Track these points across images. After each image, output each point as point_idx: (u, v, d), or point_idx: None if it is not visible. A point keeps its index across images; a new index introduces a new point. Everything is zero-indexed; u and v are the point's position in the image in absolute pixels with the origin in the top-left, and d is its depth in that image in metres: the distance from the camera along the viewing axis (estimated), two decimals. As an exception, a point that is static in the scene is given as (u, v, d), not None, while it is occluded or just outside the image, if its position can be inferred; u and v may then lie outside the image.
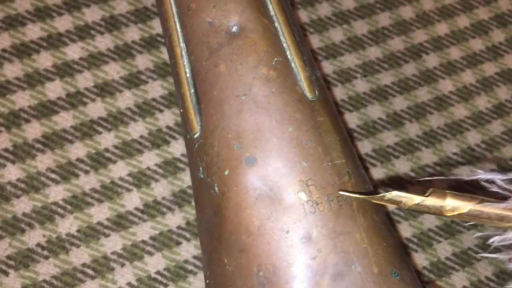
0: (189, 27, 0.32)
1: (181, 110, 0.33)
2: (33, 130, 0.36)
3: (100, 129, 0.37)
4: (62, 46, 0.38)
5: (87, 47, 0.38)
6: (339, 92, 0.40)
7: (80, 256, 0.35)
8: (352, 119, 0.40)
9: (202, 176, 0.31)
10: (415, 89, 0.41)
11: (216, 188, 0.30)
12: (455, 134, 0.40)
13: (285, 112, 0.30)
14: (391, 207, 0.38)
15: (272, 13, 0.32)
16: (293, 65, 0.32)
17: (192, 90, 0.32)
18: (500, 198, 0.30)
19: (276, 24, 0.32)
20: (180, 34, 0.33)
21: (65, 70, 0.38)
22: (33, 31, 0.38)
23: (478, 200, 0.28)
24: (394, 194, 0.28)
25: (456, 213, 0.28)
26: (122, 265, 0.35)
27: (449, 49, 0.42)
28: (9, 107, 0.36)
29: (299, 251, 0.28)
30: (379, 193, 0.29)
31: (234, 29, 0.32)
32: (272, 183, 0.29)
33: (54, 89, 0.37)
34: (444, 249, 0.38)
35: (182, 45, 0.33)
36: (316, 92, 0.32)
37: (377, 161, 0.39)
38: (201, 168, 0.31)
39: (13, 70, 0.37)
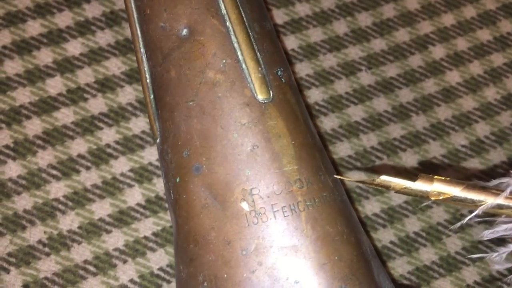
0: (146, 32, 0.32)
1: (147, 116, 0.32)
2: (34, 127, 0.36)
3: (101, 124, 0.37)
4: (62, 42, 0.38)
5: (88, 42, 0.38)
6: (344, 85, 0.39)
7: (81, 252, 0.34)
8: (358, 112, 0.39)
9: (164, 181, 0.31)
10: (421, 81, 0.40)
11: (172, 195, 0.30)
12: (464, 126, 0.39)
13: (230, 117, 0.29)
14: (396, 201, 0.37)
15: (223, 11, 0.31)
16: (243, 66, 0.30)
17: (152, 96, 0.32)
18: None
19: (228, 24, 0.30)
20: (140, 39, 0.32)
21: (65, 66, 0.37)
22: (34, 28, 0.38)
23: (464, 185, 0.28)
24: (383, 178, 0.27)
25: (441, 197, 0.28)
26: (124, 261, 0.34)
27: (456, 40, 0.41)
28: (9, 103, 0.36)
29: (239, 263, 0.27)
30: (340, 200, 0.28)
31: (184, 32, 0.30)
32: (217, 192, 0.28)
33: (55, 85, 0.37)
34: (454, 243, 0.37)
35: (142, 50, 0.32)
36: (271, 93, 0.30)
37: (384, 154, 0.38)
38: (162, 173, 0.31)
39: (13, 66, 0.37)
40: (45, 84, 0.37)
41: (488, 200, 0.28)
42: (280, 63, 0.32)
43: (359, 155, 0.38)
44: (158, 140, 0.31)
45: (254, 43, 0.31)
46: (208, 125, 0.29)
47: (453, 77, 0.41)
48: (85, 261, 0.34)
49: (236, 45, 0.30)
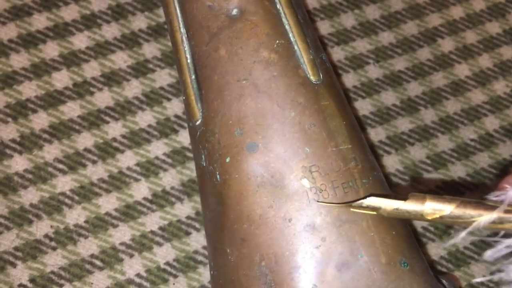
0: (189, 11, 0.32)
1: (183, 97, 0.32)
2: (40, 121, 0.36)
3: (107, 118, 0.36)
4: (68, 35, 0.37)
5: (94, 36, 0.38)
6: (351, 78, 0.39)
7: (88, 247, 0.34)
8: (365, 106, 0.39)
9: (204, 164, 0.30)
10: (430, 74, 0.40)
11: (218, 176, 0.30)
12: (473, 119, 0.39)
13: (287, 96, 0.29)
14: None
15: None
16: (295, 47, 0.31)
17: (193, 76, 0.31)
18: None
19: (278, 6, 0.31)
20: (180, 19, 0.32)
21: (71, 59, 0.37)
22: (40, 21, 0.38)
23: (458, 201, 0.26)
24: (371, 200, 0.27)
25: (437, 215, 0.26)
26: (131, 256, 0.34)
27: (465, 33, 0.41)
28: (16, 97, 0.36)
29: (302, 240, 0.27)
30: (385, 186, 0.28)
31: (234, 12, 0.31)
32: (274, 170, 0.28)
33: (61, 79, 0.37)
34: (462, 239, 0.37)
35: (183, 30, 0.32)
36: (321, 75, 0.31)
37: (392, 148, 0.38)
38: (203, 156, 0.30)
39: (19, 60, 0.37)
40: (51, 78, 0.37)
41: (487, 215, 0.26)
42: (321, 49, 0.33)
43: (367, 149, 0.38)
44: (199, 122, 0.31)
45: (303, 27, 0.31)
46: (263, 103, 0.29)
47: (462, 70, 0.40)
48: (92, 256, 0.34)
49: (287, 27, 0.31)
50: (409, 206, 0.26)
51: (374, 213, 0.27)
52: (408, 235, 0.30)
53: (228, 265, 0.29)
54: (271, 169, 0.28)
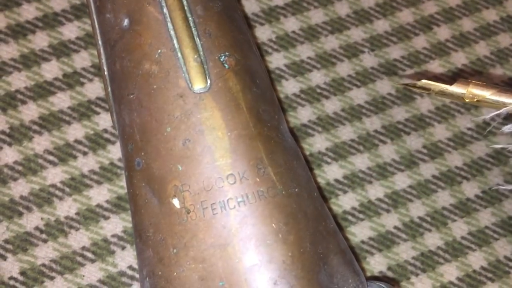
0: (99, 24, 0.31)
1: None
2: (30, 112, 0.35)
3: (98, 109, 0.36)
4: (58, 26, 0.37)
5: (84, 26, 0.37)
6: (346, 67, 0.38)
7: (79, 239, 0.34)
8: (360, 95, 0.38)
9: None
10: (426, 62, 0.39)
11: (126, 189, 0.30)
12: (469, 108, 0.38)
13: (164, 110, 0.28)
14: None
15: None
16: (179, 54, 0.28)
17: (109, 89, 0.31)
18: None
19: (165, 10, 0.29)
20: (98, 32, 0.32)
21: (61, 50, 0.37)
22: (29, 11, 0.37)
23: (498, 88, 0.31)
24: (424, 82, 0.31)
25: (475, 99, 0.31)
26: (123, 248, 0.34)
27: (461, 21, 0.40)
28: (5, 88, 0.36)
29: (170, 261, 0.27)
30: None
31: (125, 22, 0.29)
32: (154, 187, 0.28)
33: (51, 70, 0.36)
34: (459, 228, 0.36)
35: (100, 43, 0.31)
36: (208, 81, 0.28)
37: (387, 138, 0.37)
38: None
39: (8, 51, 0.36)
40: (41, 69, 0.36)
41: None
42: (226, 47, 0.29)
43: (362, 138, 0.37)
44: (117, 133, 0.31)
45: (193, 28, 0.29)
46: (145, 118, 0.28)
47: (459, 58, 0.40)
48: (83, 248, 0.33)
49: (172, 32, 0.29)
50: (454, 88, 0.31)
51: (426, 92, 0.32)
52: (288, 261, 0.27)
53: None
54: (152, 187, 0.28)
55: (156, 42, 0.28)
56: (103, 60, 0.31)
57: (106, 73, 0.31)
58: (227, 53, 0.29)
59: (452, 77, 0.39)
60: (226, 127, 0.28)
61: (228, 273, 0.26)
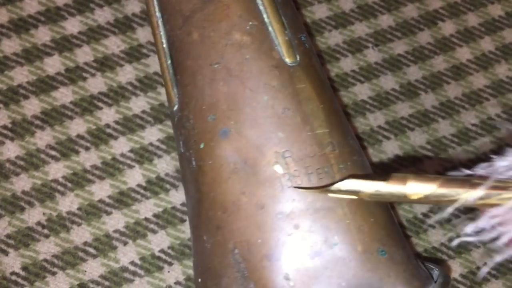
0: None
1: (163, 83, 0.31)
2: (32, 107, 0.35)
3: (100, 104, 0.36)
4: (60, 20, 0.37)
5: (86, 20, 0.37)
6: (350, 63, 0.38)
7: (81, 234, 0.34)
8: (364, 90, 0.38)
9: (182, 150, 0.30)
10: (430, 58, 0.39)
11: (194, 162, 0.29)
12: (474, 104, 0.38)
13: (259, 79, 0.28)
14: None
15: None
16: (270, 28, 0.29)
17: (169, 61, 0.31)
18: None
19: None
20: (155, 3, 0.31)
21: (64, 44, 0.36)
22: (31, 5, 0.37)
23: (442, 179, 0.24)
24: (349, 182, 0.25)
25: (421, 195, 0.24)
26: (125, 243, 0.34)
27: (466, 16, 0.40)
28: (7, 83, 0.35)
29: (274, 227, 0.27)
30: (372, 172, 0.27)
31: None
32: (247, 156, 0.28)
33: (53, 64, 0.36)
34: (463, 225, 0.36)
35: (158, 14, 0.31)
36: (297, 57, 0.29)
37: (391, 133, 0.37)
38: (181, 142, 0.30)
39: (11, 45, 0.36)
40: (43, 63, 0.36)
41: (473, 191, 0.24)
42: (302, 30, 0.31)
43: (366, 134, 0.37)
44: (175, 108, 0.30)
45: (279, 6, 0.30)
46: (235, 88, 0.28)
47: (463, 54, 0.39)
48: (85, 243, 0.33)
49: (261, 7, 0.30)
50: (390, 187, 0.25)
51: (354, 197, 0.25)
52: (388, 222, 0.29)
53: (204, 252, 0.28)
54: (243, 155, 0.28)
55: (246, 15, 0.29)
56: (162, 33, 0.31)
57: (165, 45, 0.31)
58: (304, 35, 0.31)
59: (456, 73, 0.39)
60: (319, 99, 0.29)
61: (339, 234, 0.27)
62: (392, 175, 0.25)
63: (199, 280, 0.29)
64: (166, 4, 0.31)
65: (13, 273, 0.33)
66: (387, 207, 0.29)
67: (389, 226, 0.28)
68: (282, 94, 0.28)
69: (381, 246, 0.27)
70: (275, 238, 0.27)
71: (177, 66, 0.30)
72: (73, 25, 0.37)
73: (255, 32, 0.29)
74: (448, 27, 0.40)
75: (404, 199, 0.25)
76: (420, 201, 0.25)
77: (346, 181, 0.25)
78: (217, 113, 0.28)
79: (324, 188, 0.26)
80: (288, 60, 0.29)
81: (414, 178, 0.25)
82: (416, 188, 0.24)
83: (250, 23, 0.29)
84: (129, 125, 0.36)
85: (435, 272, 0.29)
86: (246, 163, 0.28)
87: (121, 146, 0.35)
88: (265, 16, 0.30)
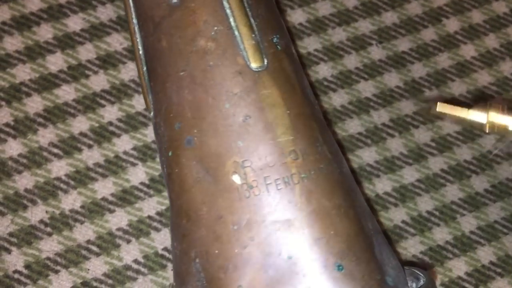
0: (137, 1, 0.31)
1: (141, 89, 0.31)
2: (34, 104, 0.35)
3: (103, 102, 0.36)
4: (63, 17, 0.37)
5: (89, 18, 0.37)
6: (354, 60, 0.38)
7: (84, 232, 0.33)
8: (368, 88, 0.37)
9: (158, 156, 0.30)
10: (434, 55, 0.39)
11: (165, 169, 0.29)
12: (479, 101, 0.38)
13: (222, 87, 0.28)
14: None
15: None
16: (236, 33, 0.29)
17: (145, 68, 0.31)
18: None
19: None
20: (132, 9, 0.31)
21: (66, 42, 0.36)
22: (33, 3, 0.37)
23: None
24: (441, 106, 0.30)
25: (496, 126, 0.30)
26: (128, 241, 0.33)
27: (471, 12, 0.40)
28: (9, 81, 0.35)
29: (230, 238, 0.26)
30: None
31: None
32: (209, 165, 0.27)
33: (55, 62, 0.36)
34: (468, 223, 0.36)
35: (135, 21, 0.31)
36: (265, 61, 0.29)
37: (395, 131, 0.37)
38: (157, 148, 0.30)
39: (13, 43, 0.36)
40: (46, 61, 0.36)
41: None
42: (276, 30, 0.30)
43: (370, 132, 0.37)
44: (151, 113, 0.30)
45: (247, 9, 0.29)
46: (199, 95, 0.28)
47: (468, 51, 0.39)
48: (88, 241, 0.33)
49: (228, 11, 0.29)
50: (473, 115, 0.30)
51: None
52: (352, 234, 0.27)
53: (176, 258, 0.29)
54: (205, 165, 0.27)
55: (212, 19, 0.29)
56: (138, 39, 0.31)
57: (141, 52, 0.31)
58: (277, 36, 0.30)
59: (461, 70, 0.38)
60: (285, 105, 0.28)
61: (294, 247, 0.26)
62: (474, 105, 0.30)
63: (174, 284, 0.29)
64: (140, 11, 0.31)
65: (16, 271, 0.32)
66: (355, 217, 0.28)
67: (352, 239, 0.27)
68: (244, 102, 0.28)
69: (339, 260, 0.26)
70: (230, 249, 0.26)
71: (151, 73, 0.30)
72: (75, 23, 0.37)
73: (220, 37, 0.28)
74: (452, 24, 0.39)
75: (483, 129, 0.30)
76: (493, 131, 0.30)
77: (439, 104, 0.30)
78: (183, 121, 0.28)
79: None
80: (253, 65, 0.28)
81: (495, 109, 0.30)
82: (493, 119, 0.30)
83: (216, 28, 0.29)
84: (132, 122, 0.35)
85: (422, 277, 0.29)
86: (208, 173, 0.27)
87: (124, 144, 0.35)
88: (231, 20, 0.29)
